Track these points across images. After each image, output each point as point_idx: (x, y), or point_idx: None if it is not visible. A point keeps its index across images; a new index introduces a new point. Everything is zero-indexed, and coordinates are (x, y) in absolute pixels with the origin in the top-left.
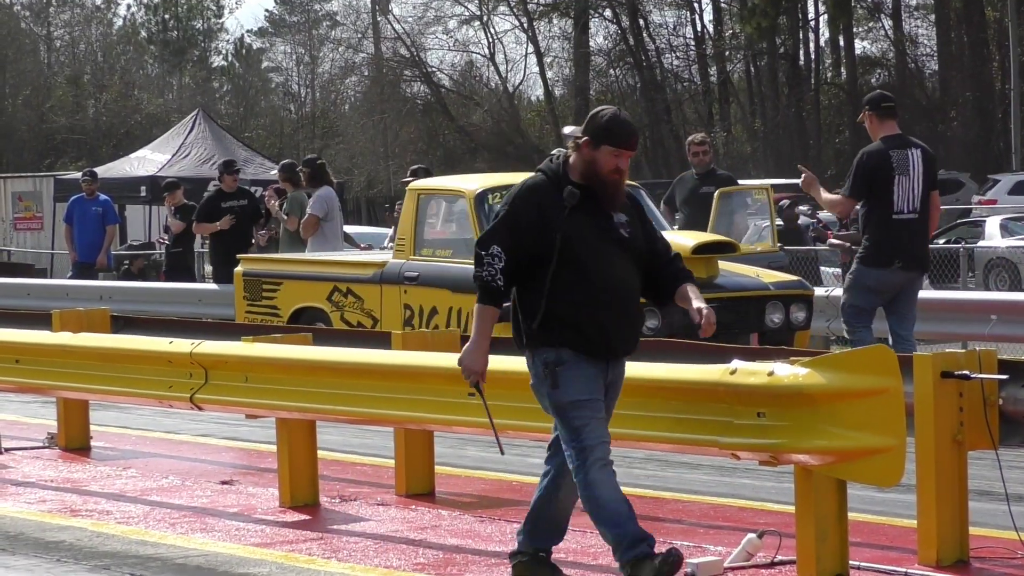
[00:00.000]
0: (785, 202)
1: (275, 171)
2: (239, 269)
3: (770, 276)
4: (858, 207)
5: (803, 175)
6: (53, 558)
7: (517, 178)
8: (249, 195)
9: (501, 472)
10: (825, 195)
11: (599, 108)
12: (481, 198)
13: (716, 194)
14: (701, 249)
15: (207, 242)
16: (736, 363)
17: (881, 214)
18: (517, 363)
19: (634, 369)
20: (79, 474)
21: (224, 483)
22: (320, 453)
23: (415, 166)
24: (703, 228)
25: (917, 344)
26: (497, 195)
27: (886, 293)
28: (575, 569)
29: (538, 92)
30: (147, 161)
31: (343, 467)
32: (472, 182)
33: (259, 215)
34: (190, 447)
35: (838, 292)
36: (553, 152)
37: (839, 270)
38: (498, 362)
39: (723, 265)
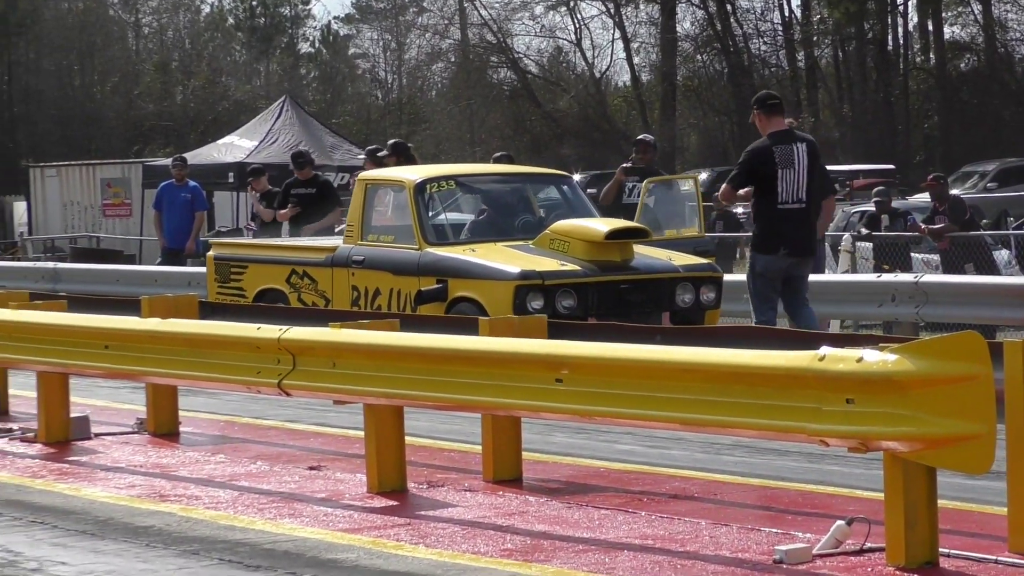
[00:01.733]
0: (880, 188)
1: (362, 156)
2: (210, 253)
3: (682, 259)
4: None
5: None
6: (142, 543)
7: (461, 169)
8: (320, 183)
9: (589, 458)
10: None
11: None
12: (420, 188)
13: (644, 184)
14: (615, 235)
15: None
16: (825, 349)
17: (768, 205)
18: (609, 349)
19: (720, 355)
20: (168, 459)
21: (312, 469)
22: (407, 439)
23: (498, 154)
24: None
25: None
26: (435, 185)
27: (776, 277)
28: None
29: (625, 78)
30: (234, 147)
31: (430, 453)
32: (414, 173)
33: (328, 202)
34: (278, 433)
35: (927, 278)
36: None
37: (936, 256)
38: (590, 348)
39: (638, 249)
